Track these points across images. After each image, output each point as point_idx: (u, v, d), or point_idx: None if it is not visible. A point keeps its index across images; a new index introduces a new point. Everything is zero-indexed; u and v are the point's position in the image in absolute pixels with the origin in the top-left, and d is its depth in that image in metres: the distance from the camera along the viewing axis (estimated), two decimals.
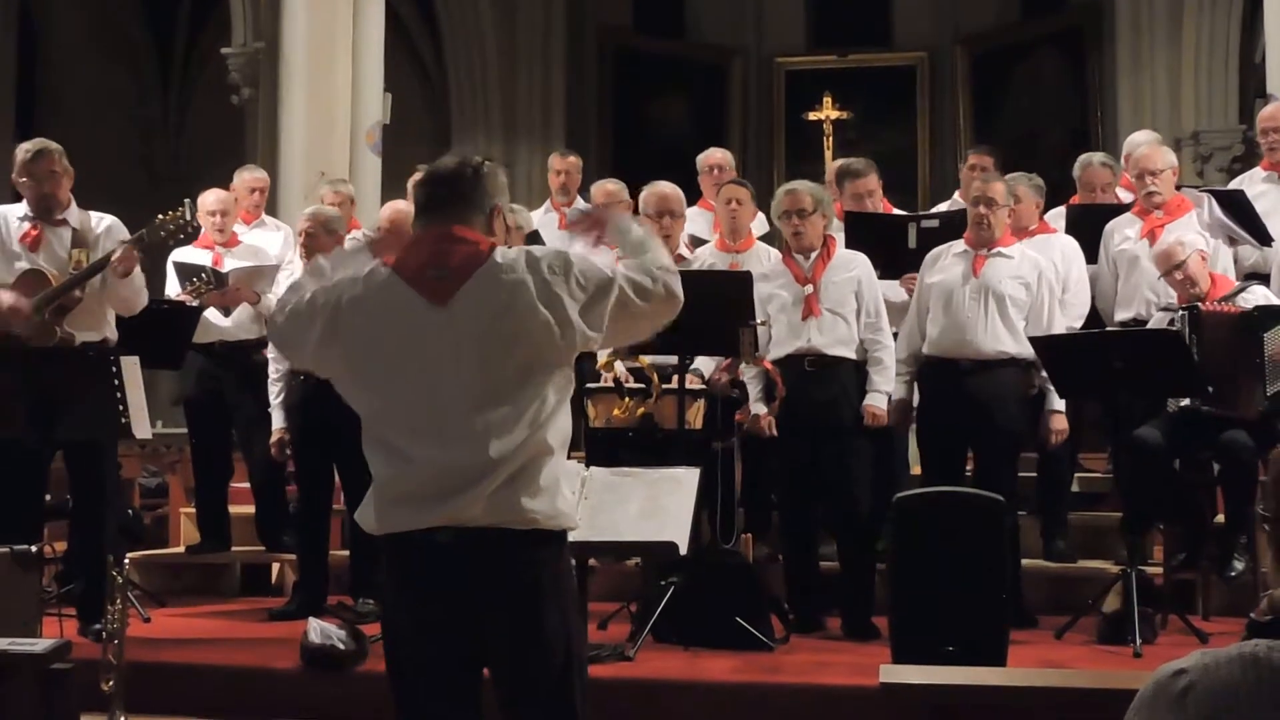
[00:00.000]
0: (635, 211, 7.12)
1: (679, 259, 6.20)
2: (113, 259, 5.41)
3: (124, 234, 5.66)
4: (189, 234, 5.92)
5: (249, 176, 7.53)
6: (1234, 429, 5.57)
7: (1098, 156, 7.31)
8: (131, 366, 5.29)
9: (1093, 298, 6.58)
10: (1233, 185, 7.17)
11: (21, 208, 5.68)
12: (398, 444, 2.71)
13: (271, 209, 8.24)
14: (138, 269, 5.54)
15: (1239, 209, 6.39)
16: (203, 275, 6.29)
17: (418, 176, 2.90)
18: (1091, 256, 6.53)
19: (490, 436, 2.63)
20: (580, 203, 7.79)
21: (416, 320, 2.70)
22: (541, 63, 13.28)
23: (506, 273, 2.70)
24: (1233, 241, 6.46)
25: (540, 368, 2.70)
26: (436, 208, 2.82)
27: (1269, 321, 5.56)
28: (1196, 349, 5.59)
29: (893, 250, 6.37)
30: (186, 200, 6.75)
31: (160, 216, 5.63)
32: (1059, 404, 5.82)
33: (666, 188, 6.45)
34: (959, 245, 5.92)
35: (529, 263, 2.71)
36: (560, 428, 2.73)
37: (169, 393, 9.92)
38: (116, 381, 5.24)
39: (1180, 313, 5.73)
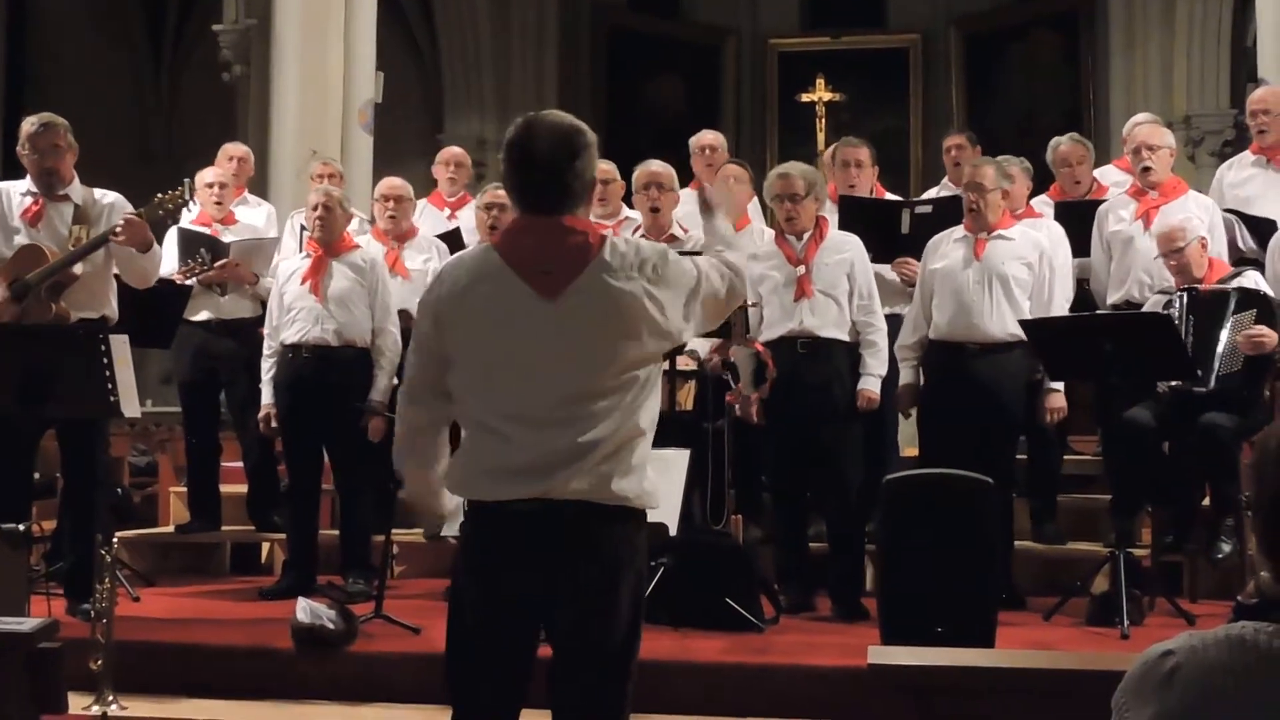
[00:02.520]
0: (628, 194, 7.11)
1: (671, 239, 6.20)
2: (117, 233, 5.39)
3: (128, 211, 5.63)
4: (184, 206, 5.90)
5: (230, 148, 7.52)
6: (1215, 411, 5.58)
7: (1065, 136, 7.33)
8: (120, 345, 5.26)
9: (1086, 280, 6.59)
10: (1221, 169, 7.17)
11: (25, 183, 5.63)
12: (496, 425, 2.75)
13: (262, 187, 8.22)
14: (155, 243, 5.56)
15: (1265, 235, 6.36)
16: (199, 256, 6.24)
17: (513, 138, 2.81)
18: (1077, 250, 6.52)
19: (590, 424, 2.71)
20: None
21: (525, 312, 2.73)
22: (535, 42, 13.25)
23: (616, 274, 2.74)
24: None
25: (640, 362, 2.78)
26: (541, 199, 2.81)
27: (1240, 306, 5.60)
28: (1193, 330, 5.60)
29: (886, 235, 6.37)
30: (186, 180, 6.74)
31: (159, 195, 5.60)
32: (1058, 383, 5.83)
33: (657, 165, 6.41)
34: (959, 231, 5.92)
35: (639, 264, 2.76)
36: (651, 411, 2.83)
37: (159, 371, 9.89)
38: (105, 360, 5.22)
39: (1178, 295, 5.74)
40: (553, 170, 2.79)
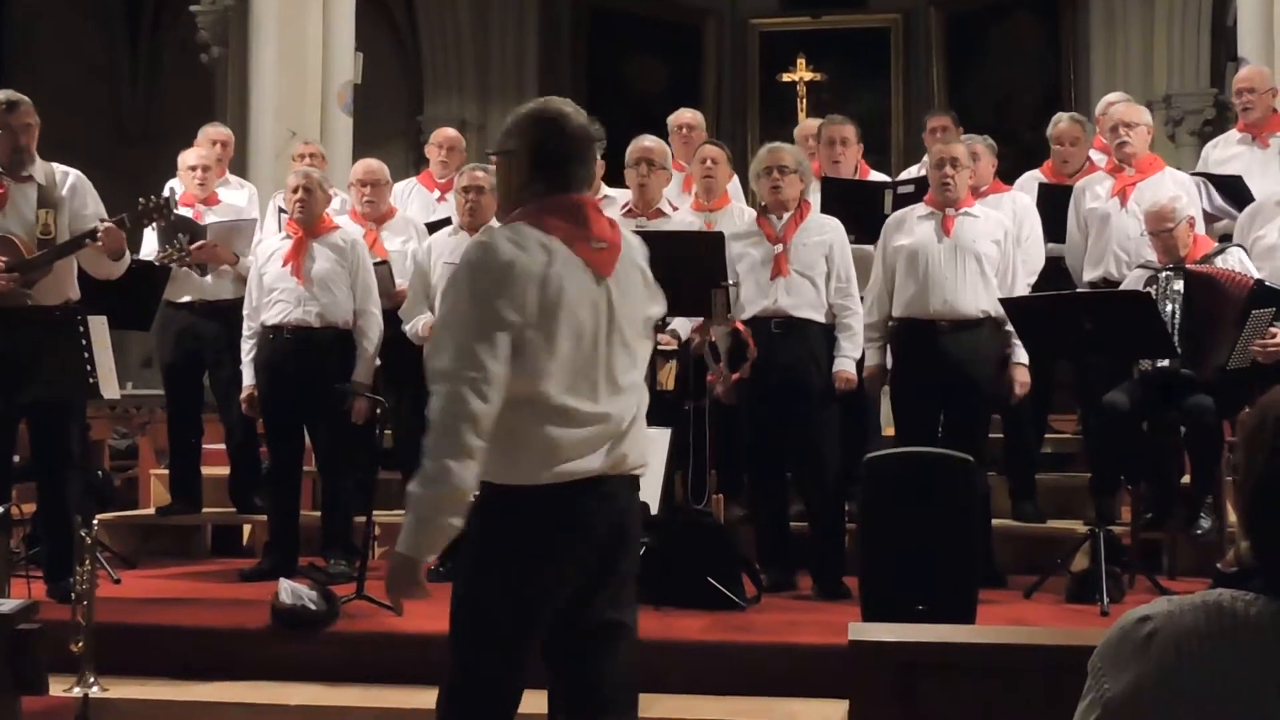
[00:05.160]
0: (607, 174, 7.09)
1: (658, 214, 6.30)
2: (97, 240, 5.32)
3: (89, 191, 5.55)
4: (167, 218, 5.84)
5: (212, 131, 7.47)
6: (1199, 394, 5.59)
7: (1068, 114, 7.34)
8: (99, 327, 5.24)
9: (1062, 258, 6.60)
10: (1207, 148, 7.20)
11: None
12: (562, 402, 2.78)
13: (242, 168, 8.18)
14: (127, 251, 5.54)
15: (1233, 192, 6.38)
16: (176, 242, 6.20)
17: (554, 111, 2.90)
18: (1053, 235, 6.54)
19: (634, 394, 2.88)
20: None
21: (589, 290, 2.82)
22: (515, 22, 13.19)
23: (636, 253, 2.97)
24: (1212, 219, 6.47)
25: (649, 333, 2.99)
26: (576, 175, 2.90)
27: (1263, 301, 5.50)
28: (1181, 309, 5.59)
29: (868, 215, 6.37)
30: (171, 188, 6.72)
31: (142, 202, 5.53)
32: (1023, 357, 5.83)
33: (650, 140, 6.47)
34: (921, 208, 5.94)
35: (639, 245, 3.01)
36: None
37: (139, 354, 9.85)
38: (84, 342, 5.20)
39: (1165, 273, 5.72)
40: (587, 156, 2.92)
